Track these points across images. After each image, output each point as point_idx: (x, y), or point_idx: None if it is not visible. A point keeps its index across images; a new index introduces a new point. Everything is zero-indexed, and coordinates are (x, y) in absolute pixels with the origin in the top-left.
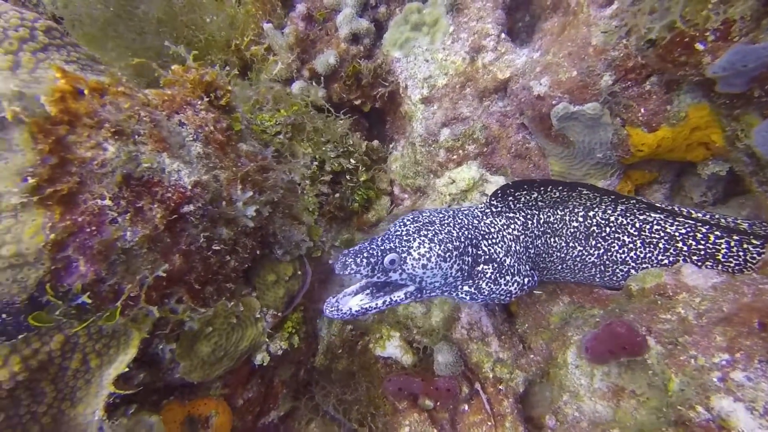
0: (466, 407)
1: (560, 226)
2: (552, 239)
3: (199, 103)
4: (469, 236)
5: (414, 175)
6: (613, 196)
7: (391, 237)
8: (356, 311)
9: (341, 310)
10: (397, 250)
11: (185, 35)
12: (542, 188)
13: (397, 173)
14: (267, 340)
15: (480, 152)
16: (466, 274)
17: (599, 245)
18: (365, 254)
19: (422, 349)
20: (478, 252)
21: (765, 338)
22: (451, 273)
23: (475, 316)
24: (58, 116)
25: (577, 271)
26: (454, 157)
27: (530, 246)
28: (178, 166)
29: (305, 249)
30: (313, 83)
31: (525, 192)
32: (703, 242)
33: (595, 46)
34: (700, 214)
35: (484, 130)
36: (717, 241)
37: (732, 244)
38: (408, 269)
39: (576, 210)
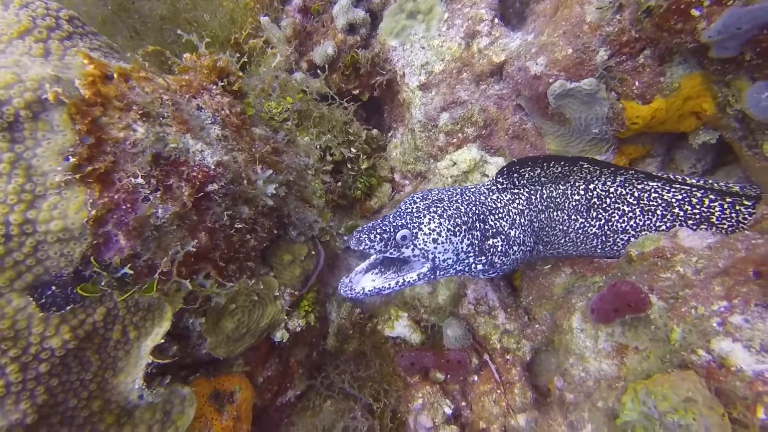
0: (476, 378)
1: (563, 200)
2: (555, 213)
3: (214, 88)
4: (477, 211)
5: (414, 160)
6: (612, 168)
7: (402, 214)
8: (369, 291)
9: (354, 290)
10: (409, 226)
11: (188, 31)
12: (545, 164)
13: (397, 160)
14: (285, 317)
15: (479, 134)
16: (477, 249)
17: (600, 216)
18: (378, 230)
19: (430, 327)
20: (486, 226)
21: (761, 284)
22: (461, 248)
23: (481, 291)
24: (91, 98)
25: (579, 243)
26: (454, 140)
27: (534, 219)
28: (201, 147)
29: (318, 229)
30: (311, 77)
31: (529, 168)
32: (698, 206)
33: (590, 23)
34: (694, 180)
35: (482, 113)
36: (711, 204)
37: (725, 206)
38: (420, 245)
39: (577, 184)
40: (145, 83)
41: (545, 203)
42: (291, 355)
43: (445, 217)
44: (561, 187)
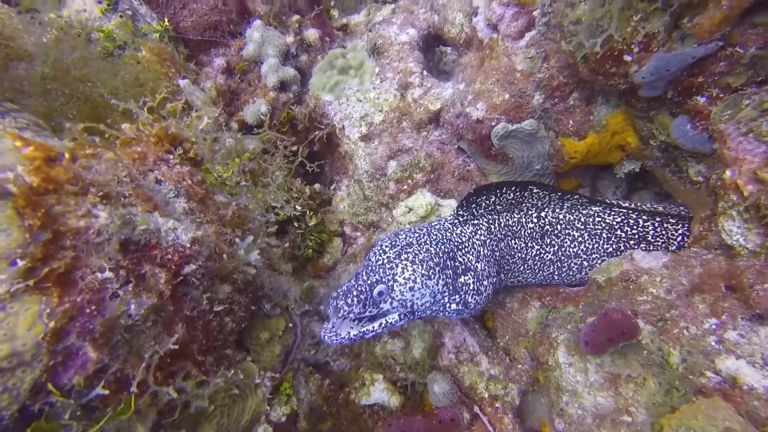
0: None
1: (518, 228)
2: (513, 241)
3: (171, 157)
4: (446, 249)
5: (365, 211)
6: (559, 193)
7: (374, 268)
8: (354, 335)
9: (340, 335)
10: (384, 280)
11: (81, 91)
12: (497, 191)
13: (346, 212)
14: (268, 407)
15: (428, 179)
16: (451, 288)
17: (554, 242)
18: (354, 293)
19: (410, 385)
20: (456, 263)
21: (738, 298)
22: (437, 289)
23: (459, 338)
24: (41, 186)
25: (537, 270)
26: (404, 187)
27: (495, 249)
28: (173, 224)
29: (293, 298)
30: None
31: (484, 197)
32: (635, 227)
33: (522, 71)
34: (627, 203)
35: (428, 159)
36: (644, 224)
37: (656, 225)
38: (397, 296)
39: (530, 212)
40: (95, 161)
41: (503, 232)
42: None
43: (417, 262)
44: (516, 215)
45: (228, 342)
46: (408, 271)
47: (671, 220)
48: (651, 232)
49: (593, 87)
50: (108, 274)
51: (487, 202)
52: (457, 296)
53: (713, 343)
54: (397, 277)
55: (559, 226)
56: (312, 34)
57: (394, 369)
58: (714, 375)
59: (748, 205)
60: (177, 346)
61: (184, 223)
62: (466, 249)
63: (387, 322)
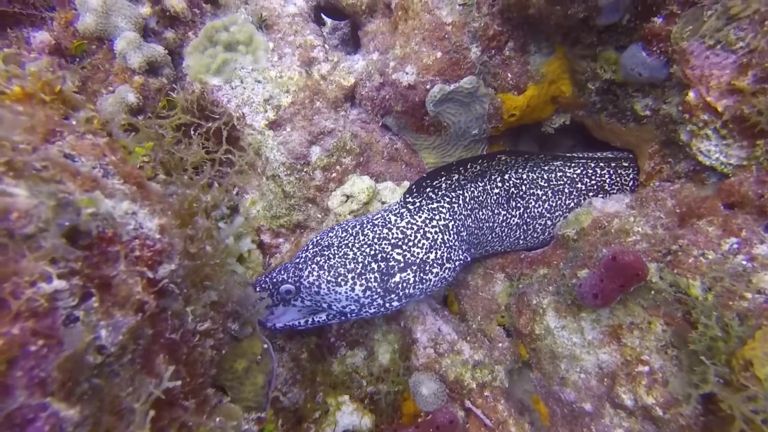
0: None
1: (484, 196)
2: (480, 212)
3: (74, 123)
4: (371, 252)
5: (288, 211)
6: (526, 155)
7: (289, 266)
8: (280, 326)
9: (271, 321)
10: (290, 280)
11: None
12: (461, 168)
13: (261, 217)
14: None
15: (357, 162)
16: (378, 291)
17: (519, 205)
18: (261, 284)
19: (384, 397)
20: (390, 263)
21: (749, 213)
22: (356, 296)
23: (433, 328)
24: None
25: (504, 237)
26: (333, 175)
27: (462, 229)
28: (130, 207)
29: (262, 310)
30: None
31: (444, 178)
32: (593, 177)
33: (453, 22)
34: (583, 154)
35: (354, 139)
36: (602, 172)
37: (611, 172)
38: (305, 297)
39: (493, 176)
40: None
41: (470, 206)
42: None
43: (325, 268)
44: (480, 183)
45: (207, 378)
46: (313, 275)
47: (624, 164)
48: (608, 180)
49: (527, 34)
50: (57, 283)
51: (449, 182)
52: (392, 295)
53: (744, 262)
54: (303, 280)
55: (523, 187)
56: (177, 2)
57: (360, 384)
58: (757, 295)
59: (725, 119)
60: (177, 384)
61: (140, 205)
62: (412, 242)
63: (314, 320)
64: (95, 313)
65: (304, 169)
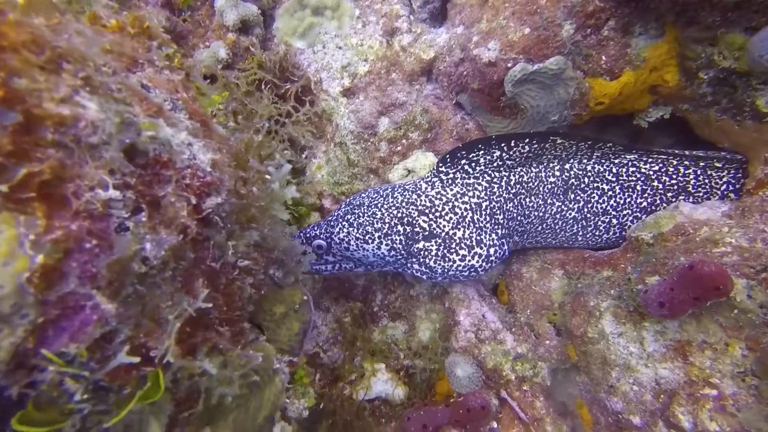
0: (496, 425)
1: (536, 184)
2: (527, 199)
3: (156, 58)
4: (399, 215)
5: (350, 179)
6: (589, 142)
7: (322, 223)
8: (305, 270)
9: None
10: (322, 236)
11: None
12: (504, 145)
13: (325, 182)
14: (287, 400)
15: (424, 139)
16: (402, 253)
17: (578, 198)
18: (300, 236)
19: (419, 373)
20: (415, 229)
21: None
22: (382, 253)
23: (477, 314)
24: None
25: (558, 230)
26: (398, 148)
27: (498, 212)
28: (187, 138)
29: (308, 264)
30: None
31: (483, 152)
32: (675, 176)
33: None
34: (667, 150)
35: (424, 115)
36: (686, 172)
37: (699, 172)
38: (336, 252)
39: (551, 164)
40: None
41: (514, 190)
42: None
43: (355, 225)
44: (534, 169)
45: (244, 312)
46: (344, 231)
47: (717, 164)
48: (692, 182)
49: (633, 12)
50: (112, 192)
51: (488, 157)
52: (414, 260)
53: None
54: (334, 236)
55: (586, 179)
56: None
57: (398, 356)
58: None
59: None
60: (209, 306)
61: (199, 140)
62: (438, 214)
63: (341, 266)
64: (143, 227)
65: (371, 140)
